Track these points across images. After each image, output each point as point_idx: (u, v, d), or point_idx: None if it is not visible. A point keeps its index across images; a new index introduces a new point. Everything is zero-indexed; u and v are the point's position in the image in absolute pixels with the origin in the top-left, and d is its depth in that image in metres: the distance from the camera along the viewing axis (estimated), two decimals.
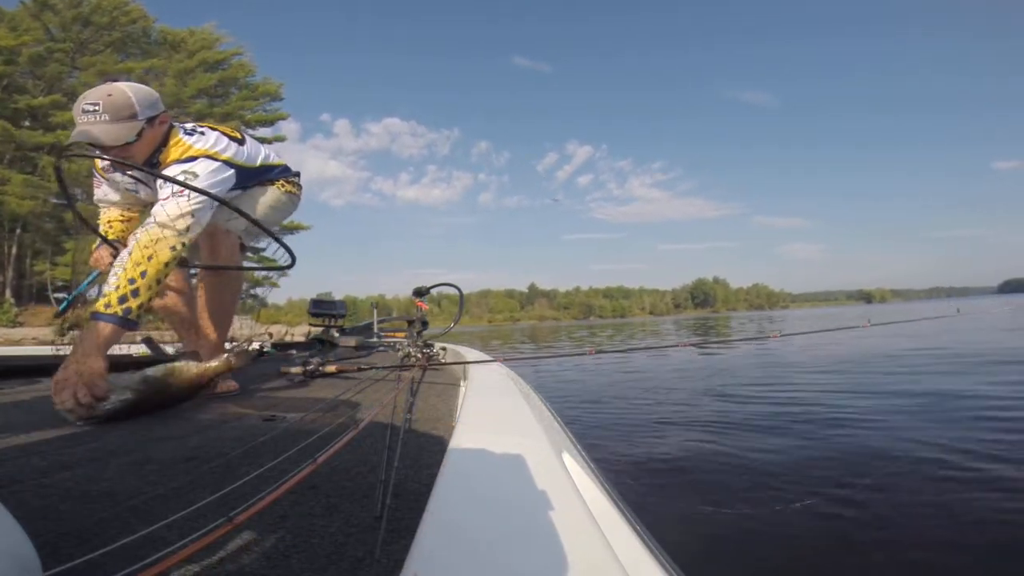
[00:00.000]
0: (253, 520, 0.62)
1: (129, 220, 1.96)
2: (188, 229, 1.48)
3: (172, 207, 1.47)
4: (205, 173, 1.57)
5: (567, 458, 0.85)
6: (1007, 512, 1.92)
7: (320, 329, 3.76)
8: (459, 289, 2.80)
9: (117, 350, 1.85)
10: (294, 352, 3.09)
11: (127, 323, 1.33)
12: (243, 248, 2.04)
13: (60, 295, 22.26)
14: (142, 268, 1.37)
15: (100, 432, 1.12)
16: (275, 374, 2.13)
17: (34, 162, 20.71)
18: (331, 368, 2.04)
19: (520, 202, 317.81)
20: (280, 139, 25.54)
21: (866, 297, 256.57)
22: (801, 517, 1.93)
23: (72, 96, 20.29)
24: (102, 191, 1.91)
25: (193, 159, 1.59)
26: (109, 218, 1.95)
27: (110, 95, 1.48)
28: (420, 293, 2.74)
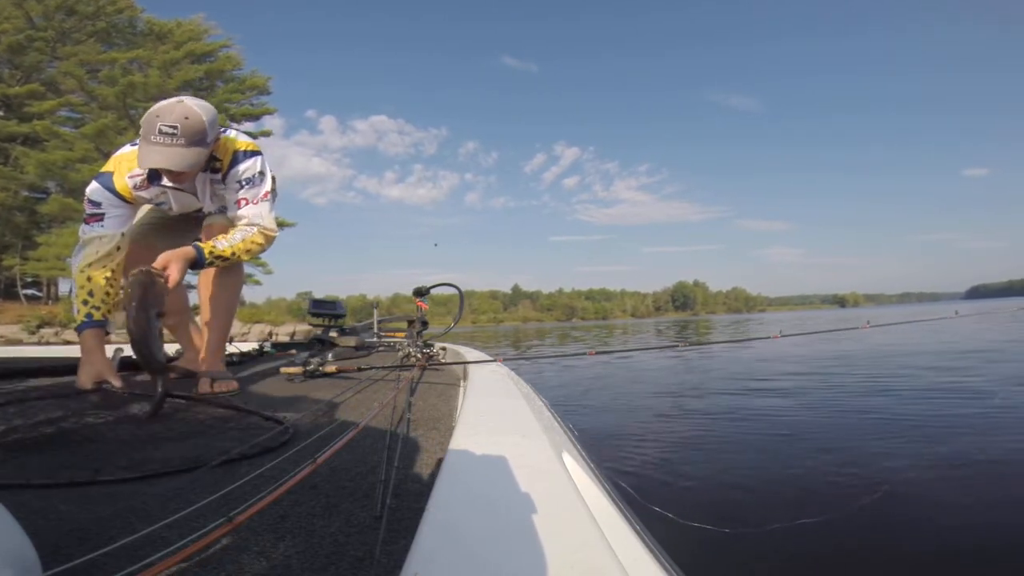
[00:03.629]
0: (253, 520, 0.62)
1: (113, 272, 1.67)
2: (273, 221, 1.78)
3: (264, 210, 1.73)
4: (268, 170, 1.76)
5: (567, 458, 0.85)
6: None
7: (317, 329, 3.75)
8: (459, 289, 2.79)
9: (121, 347, 1.85)
10: (294, 352, 3.09)
11: (201, 259, 1.58)
12: None
13: (30, 291, 21.87)
14: (235, 251, 1.65)
15: (100, 432, 1.12)
16: (275, 374, 2.12)
17: (7, 152, 19.81)
18: (331, 368, 2.04)
19: (506, 203, 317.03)
20: (266, 134, 24.98)
21: (840, 301, 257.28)
22: (801, 522, 1.91)
23: (50, 86, 19.49)
24: (108, 221, 1.64)
25: (252, 154, 1.73)
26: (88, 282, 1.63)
27: (187, 118, 1.48)
28: (420, 293, 2.74)
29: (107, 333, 1.63)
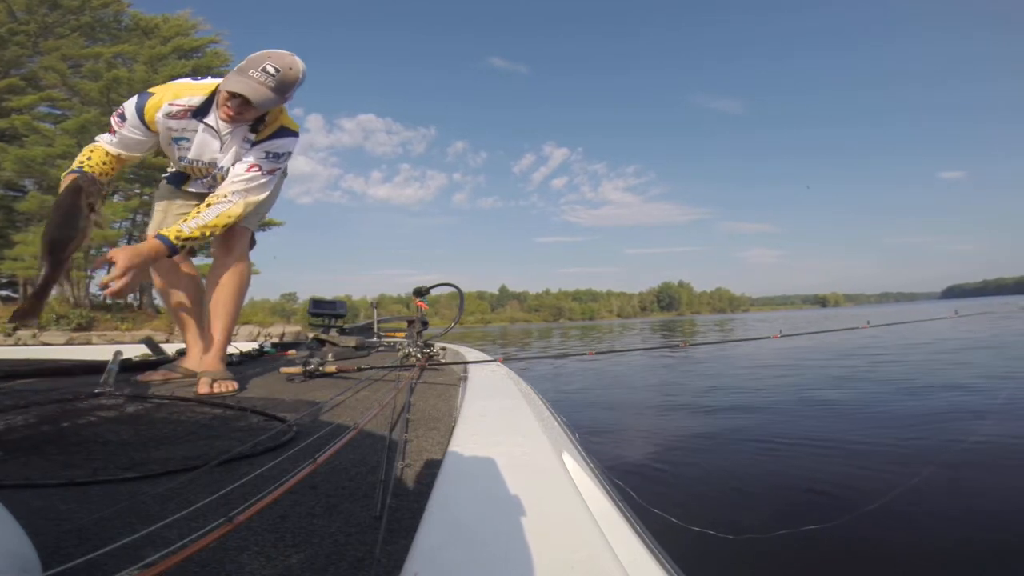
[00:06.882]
0: (253, 520, 0.62)
1: (106, 163, 1.73)
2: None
3: (262, 182, 1.75)
4: (292, 154, 1.85)
5: (567, 458, 0.85)
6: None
7: (316, 328, 3.76)
8: (459, 289, 2.79)
9: (120, 349, 1.85)
10: (294, 352, 3.09)
11: (173, 250, 1.59)
12: (252, 243, 2.03)
13: (5, 292, 21.57)
14: (212, 227, 1.65)
15: (100, 432, 1.12)
16: (275, 374, 2.12)
17: None
18: (331, 368, 2.03)
19: (495, 203, 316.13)
20: None
21: (821, 301, 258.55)
22: (806, 528, 1.86)
23: (31, 81, 18.78)
24: (119, 135, 1.73)
25: (293, 134, 1.80)
26: (92, 151, 1.74)
27: (291, 69, 1.62)
28: (420, 293, 2.74)
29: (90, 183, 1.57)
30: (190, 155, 1.78)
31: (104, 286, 1.42)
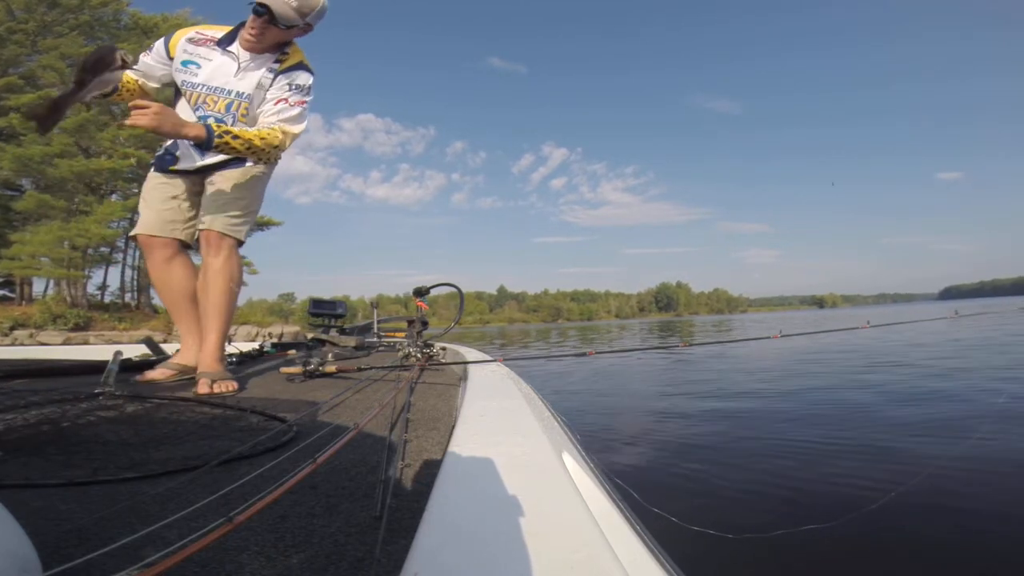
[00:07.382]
0: (253, 520, 0.62)
1: (129, 82, 1.88)
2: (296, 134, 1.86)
3: (296, 113, 1.83)
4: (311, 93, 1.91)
5: (567, 458, 0.85)
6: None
7: (316, 329, 3.76)
8: (459, 289, 2.79)
9: (120, 349, 1.84)
10: (294, 352, 3.09)
11: (210, 138, 1.63)
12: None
13: (2, 292, 21.43)
14: (251, 139, 1.69)
15: (100, 432, 1.12)
16: (275, 374, 2.12)
17: None
18: (331, 368, 2.03)
19: (494, 203, 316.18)
20: None
21: (818, 302, 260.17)
22: (807, 527, 1.86)
23: (30, 80, 18.78)
24: (142, 62, 1.90)
25: (311, 73, 1.88)
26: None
27: None
28: (420, 293, 2.73)
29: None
30: (197, 79, 1.84)
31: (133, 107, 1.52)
